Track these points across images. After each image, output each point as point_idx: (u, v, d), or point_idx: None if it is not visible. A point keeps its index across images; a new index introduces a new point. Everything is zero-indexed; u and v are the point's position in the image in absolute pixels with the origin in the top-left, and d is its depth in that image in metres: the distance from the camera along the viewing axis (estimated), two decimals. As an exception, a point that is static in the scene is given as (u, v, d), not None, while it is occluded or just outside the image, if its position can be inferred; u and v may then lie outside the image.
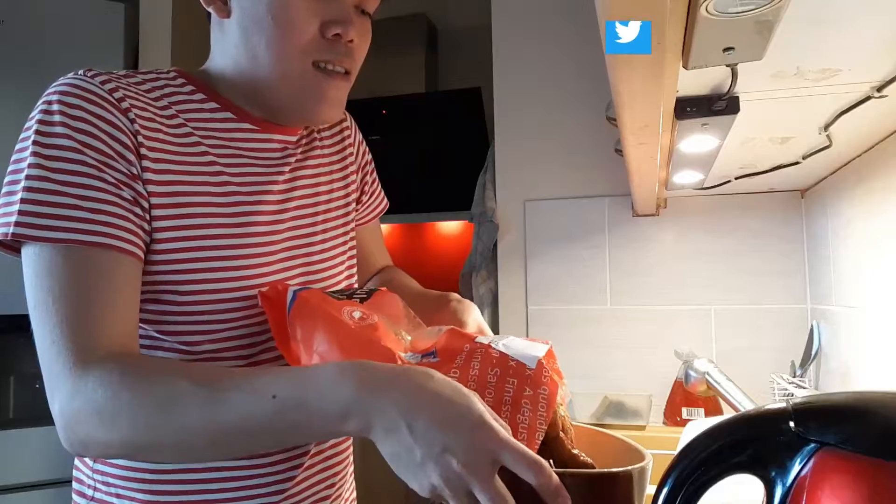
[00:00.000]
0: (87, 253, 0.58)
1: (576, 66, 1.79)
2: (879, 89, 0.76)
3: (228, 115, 0.70)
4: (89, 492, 0.71)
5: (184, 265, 0.64)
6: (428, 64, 2.71)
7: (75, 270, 0.58)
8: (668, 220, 1.70)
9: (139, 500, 0.67)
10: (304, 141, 0.79)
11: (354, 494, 0.88)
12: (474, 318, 0.76)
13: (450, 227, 2.91)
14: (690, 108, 0.81)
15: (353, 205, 0.85)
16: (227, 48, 0.70)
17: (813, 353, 1.41)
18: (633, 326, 1.70)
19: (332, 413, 0.51)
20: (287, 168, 0.75)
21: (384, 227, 2.87)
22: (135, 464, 0.67)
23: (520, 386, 0.61)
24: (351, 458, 0.84)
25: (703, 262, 1.67)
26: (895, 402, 0.47)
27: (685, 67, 0.63)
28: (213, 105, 0.70)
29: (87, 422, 0.54)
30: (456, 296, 0.81)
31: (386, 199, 0.96)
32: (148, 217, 0.62)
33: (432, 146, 2.56)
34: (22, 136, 0.62)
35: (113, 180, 0.60)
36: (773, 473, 0.47)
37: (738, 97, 0.79)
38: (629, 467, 0.62)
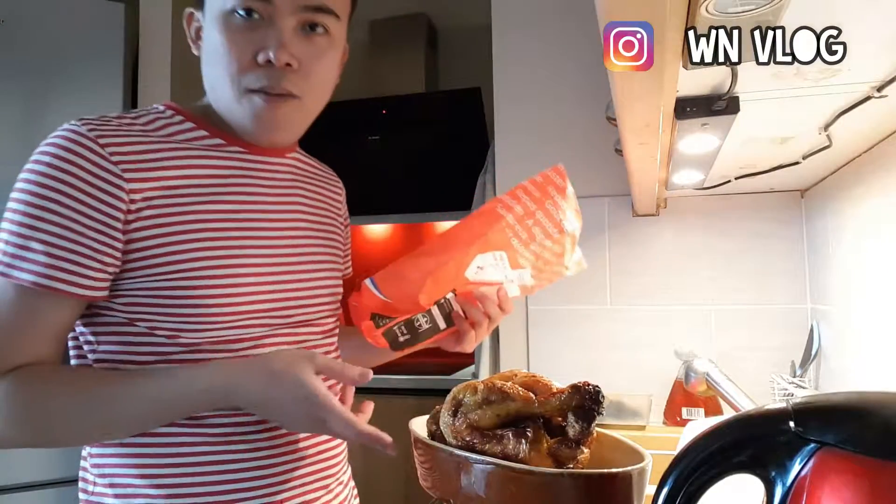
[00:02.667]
0: (17, 290, 0.67)
1: (575, 66, 1.79)
2: (879, 89, 0.76)
3: (218, 140, 0.76)
4: (90, 487, 0.74)
5: (169, 276, 0.70)
6: (428, 64, 2.71)
7: (2, 303, 0.67)
8: (668, 220, 1.70)
9: (133, 485, 0.70)
10: (296, 169, 0.85)
11: (355, 492, 0.88)
12: None
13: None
14: (690, 107, 0.80)
15: (340, 246, 0.91)
16: (204, 80, 0.78)
17: (813, 352, 1.41)
18: (632, 326, 1.70)
19: (200, 406, 0.68)
20: (277, 188, 0.80)
21: (384, 227, 2.88)
22: (128, 450, 0.71)
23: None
24: (345, 459, 0.85)
25: (703, 261, 1.67)
26: (895, 402, 0.47)
27: (685, 67, 0.63)
28: (202, 133, 0.76)
29: None
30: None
31: (351, 269, 1.00)
32: (119, 255, 0.69)
33: (432, 146, 2.56)
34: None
35: (80, 228, 0.66)
36: (773, 473, 0.47)
37: (737, 97, 0.79)
38: (628, 468, 0.62)
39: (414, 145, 2.58)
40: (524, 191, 0.77)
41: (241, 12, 0.70)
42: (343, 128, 2.53)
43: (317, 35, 0.74)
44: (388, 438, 0.67)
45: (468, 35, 2.70)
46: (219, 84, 0.73)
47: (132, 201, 0.68)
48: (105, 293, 0.69)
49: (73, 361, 0.75)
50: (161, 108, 0.77)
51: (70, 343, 0.74)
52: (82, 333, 0.73)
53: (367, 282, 0.76)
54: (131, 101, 1.95)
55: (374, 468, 2.13)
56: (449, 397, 0.71)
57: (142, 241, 0.68)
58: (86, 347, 0.73)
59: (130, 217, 0.68)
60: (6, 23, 1.73)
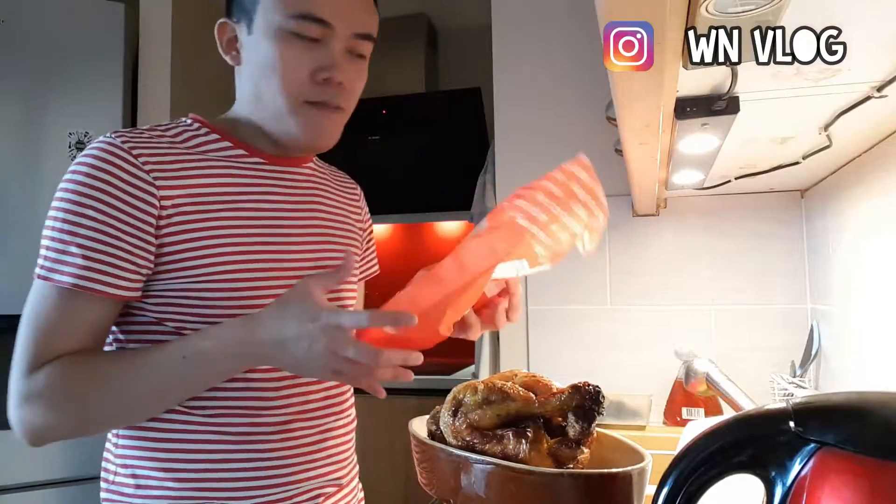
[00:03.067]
0: (58, 291, 0.70)
1: (575, 66, 1.79)
2: (879, 89, 0.76)
3: (241, 151, 0.81)
4: (111, 476, 0.77)
5: (198, 278, 0.74)
6: (428, 64, 2.71)
7: (44, 304, 0.71)
8: (668, 220, 1.70)
9: (154, 477, 0.74)
10: (315, 177, 0.89)
11: (361, 494, 0.91)
12: None
13: (450, 227, 2.91)
14: (690, 107, 0.80)
15: (358, 251, 0.94)
16: (242, 92, 0.83)
17: (813, 352, 1.41)
18: (632, 326, 1.70)
19: (228, 359, 0.69)
20: (296, 196, 0.84)
21: (384, 227, 2.87)
22: (151, 444, 0.75)
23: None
24: (353, 454, 0.88)
25: (703, 261, 1.67)
26: (895, 402, 0.47)
27: (685, 68, 0.63)
28: (226, 144, 0.81)
29: (35, 412, 0.69)
30: None
31: (378, 267, 1.04)
32: (152, 258, 0.73)
33: (432, 146, 2.56)
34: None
35: (115, 231, 0.70)
36: (773, 473, 0.47)
37: (738, 97, 0.79)
38: (628, 468, 0.62)
39: (414, 145, 2.58)
40: (546, 194, 0.69)
41: (304, 33, 0.76)
42: (344, 128, 2.53)
43: (358, 58, 0.82)
44: (411, 368, 0.64)
45: (468, 35, 2.70)
46: (270, 95, 0.77)
47: (163, 207, 0.72)
48: (138, 293, 0.73)
49: None
50: (188, 121, 0.82)
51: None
52: (112, 332, 0.76)
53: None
54: (131, 101, 1.95)
55: (375, 468, 2.13)
56: (449, 397, 0.71)
57: (172, 245, 0.73)
58: (115, 346, 0.77)
59: (162, 222, 0.72)
60: (6, 23, 1.73)
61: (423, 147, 2.55)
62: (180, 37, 2.03)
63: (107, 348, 0.77)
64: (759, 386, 1.39)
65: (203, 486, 0.73)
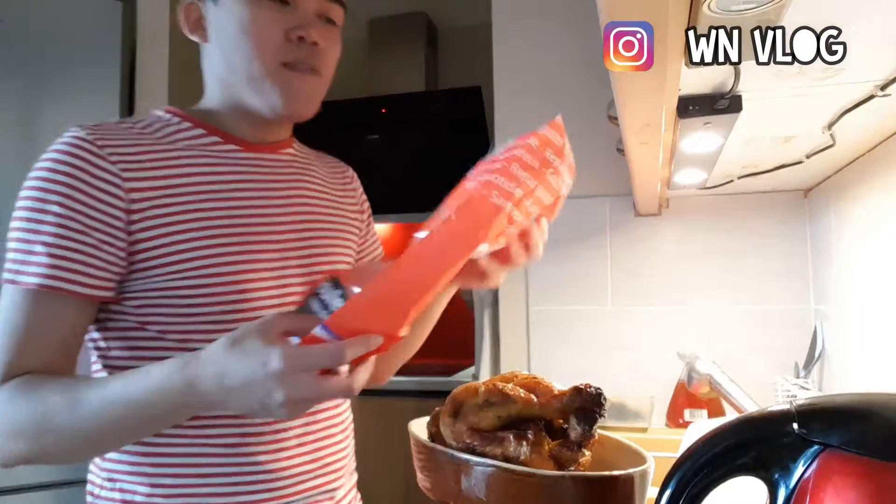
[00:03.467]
0: (25, 294, 0.67)
1: (576, 65, 1.78)
2: (883, 88, 0.76)
3: (216, 139, 0.78)
4: (97, 490, 0.75)
5: (178, 275, 0.70)
6: (428, 63, 2.70)
7: (12, 310, 0.67)
8: (671, 220, 1.70)
9: (140, 492, 0.71)
10: (296, 163, 0.85)
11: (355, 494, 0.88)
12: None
13: (451, 227, 2.91)
14: (693, 106, 0.80)
15: (353, 237, 0.90)
16: (212, 70, 0.80)
17: (816, 354, 1.41)
18: (634, 327, 1.69)
19: (170, 413, 0.62)
20: (277, 184, 0.80)
21: (384, 226, 2.87)
22: (137, 458, 0.72)
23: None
24: (350, 463, 0.85)
25: (706, 262, 1.66)
26: (900, 404, 0.46)
27: (687, 66, 0.63)
28: (200, 132, 0.78)
29: None
30: None
31: (381, 250, 1.02)
32: (123, 255, 0.69)
33: (432, 145, 2.56)
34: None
35: (79, 226, 0.67)
36: (777, 475, 0.47)
37: (740, 96, 0.78)
38: (630, 470, 0.61)
39: (414, 144, 2.58)
40: (521, 165, 0.61)
41: None
42: (343, 127, 2.53)
43: (329, 25, 0.80)
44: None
45: (468, 34, 2.70)
46: (243, 61, 0.75)
47: (132, 200, 0.69)
48: (111, 293, 0.70)
49: (93, 367, 0.75)
50: (159, 113, 0.79)
51: (90, 347, 0.75)
52: (94, 339, 0.74)
53: (319, 331, 0.56)
54: (129, 100, 1.95)
55: (374, 470, 2.13)
56: (449, 399, 0.70)
57: (148, 240, 0.69)
58: (97, 354, 0.74)
59: (134, 217, 0.69)
60: (4, 22, 1.73)
61: (423, 146, 2.55)
62: (178, 36, 2.02)
63: (92, 357, 0.74)
64: (762, 387, 1.38)
65: (192, 500, 0.70)
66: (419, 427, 0.75)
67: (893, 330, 1.05)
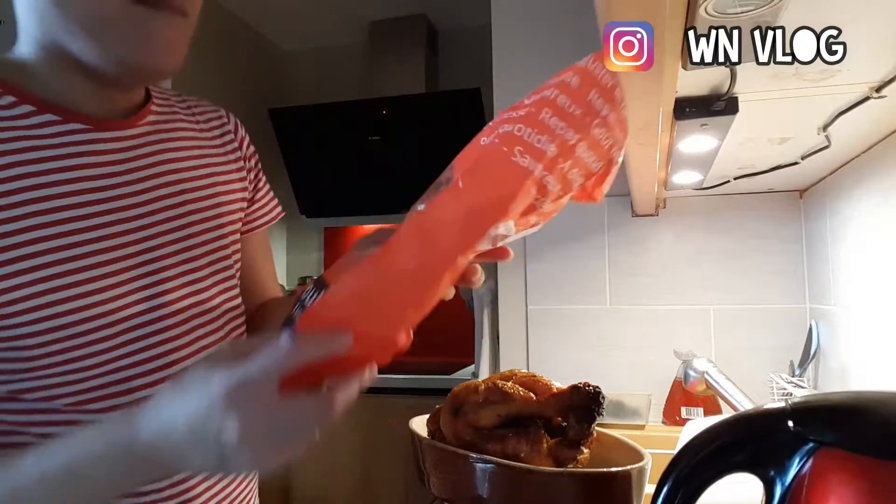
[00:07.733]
0: None
1: (575, 67, 1.78)
2: (878, 90, 0.76)
3: (50, 117, 0.57)
4: None
5: (14, 306, 0.53)
6: (428, 64, 2.71)
7: None
8: (668, 221, 1.70)
9: None
10: (157, 131, 0.66)
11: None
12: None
13: (449, 227, 2.91)
14: (689, 108, 0.81)
15: (239, 203, 0.74)
16: (32, 14, 0.57)
17: (812, 352, 1.42)
18: (632, 326, 1.70)
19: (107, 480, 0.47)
20: (134, 170, 0.62)
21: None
22: None
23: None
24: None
25: (703, 261, 1.67)
26: (893, 401, 0.47)
27: (684, 68, 0.63)
28: (27, 109, 0.56)
29: None
30: None
31: (280, 208, 0.82)
32: None
33: (432, 146, 2.56)
34: None
35: None
36: (772, 473, 0.47)
37: (736, 98, 0.79)
38: (628, 467, 0.62)
39: (414, 146, 2.58)
40: (555, 111, 0.45)
41: None
42: (343, 128, 2.53)
43: None
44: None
45: (468, 35, 2.70)
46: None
47: None
48: None
49: None
50: None
51: None
52: None
53: (286, 340, 0.43)
54: None
55: (375, 467, 2.13)
56: (449, 397, 0.71)
57: None
58: None
59: None
60: (5, 24, 1.72)
61: (423, 148, 2.55)
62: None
63: None
64: (757, 386, 1.39)
65: None
66: (419, 425, 0.76)
67: (888, 329, 1.06)
